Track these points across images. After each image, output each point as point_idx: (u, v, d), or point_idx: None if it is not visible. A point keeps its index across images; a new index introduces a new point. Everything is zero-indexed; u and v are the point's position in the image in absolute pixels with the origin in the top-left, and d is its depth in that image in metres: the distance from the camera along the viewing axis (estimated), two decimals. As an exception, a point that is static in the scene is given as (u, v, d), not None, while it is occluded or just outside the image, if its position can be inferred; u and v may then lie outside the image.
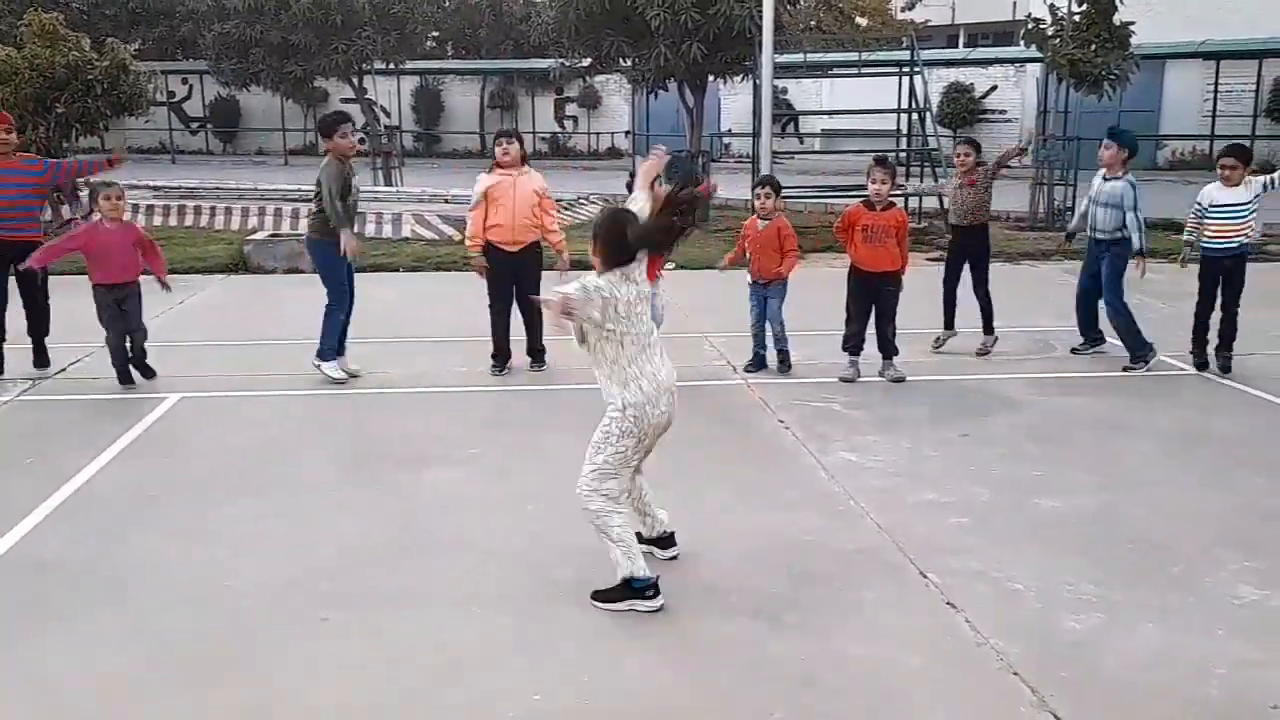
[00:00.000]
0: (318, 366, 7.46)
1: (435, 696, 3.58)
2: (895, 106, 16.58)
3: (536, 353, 7.85)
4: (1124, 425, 6.60)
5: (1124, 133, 8.01)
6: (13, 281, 7.50)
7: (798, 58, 18.95)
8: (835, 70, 21.02)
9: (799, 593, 4.28)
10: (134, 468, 5.83)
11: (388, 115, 30.23)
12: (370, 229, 14.21)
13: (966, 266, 8.30)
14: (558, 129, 34.01)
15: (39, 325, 7.66)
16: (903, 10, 36.47)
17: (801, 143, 30.34)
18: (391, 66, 26.61)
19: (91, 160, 8.88)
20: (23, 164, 7.59)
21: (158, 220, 15.99)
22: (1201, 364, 7.74)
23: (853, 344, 7.59)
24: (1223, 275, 7.59)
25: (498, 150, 7.65)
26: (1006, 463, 5.86)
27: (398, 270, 12.45)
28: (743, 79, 18.22)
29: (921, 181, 16.13)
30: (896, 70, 17.26)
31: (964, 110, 28.69)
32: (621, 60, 17.41)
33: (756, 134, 15.54)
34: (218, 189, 18.78)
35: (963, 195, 8.21)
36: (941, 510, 5.15)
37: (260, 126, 33.28)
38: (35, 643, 3.90)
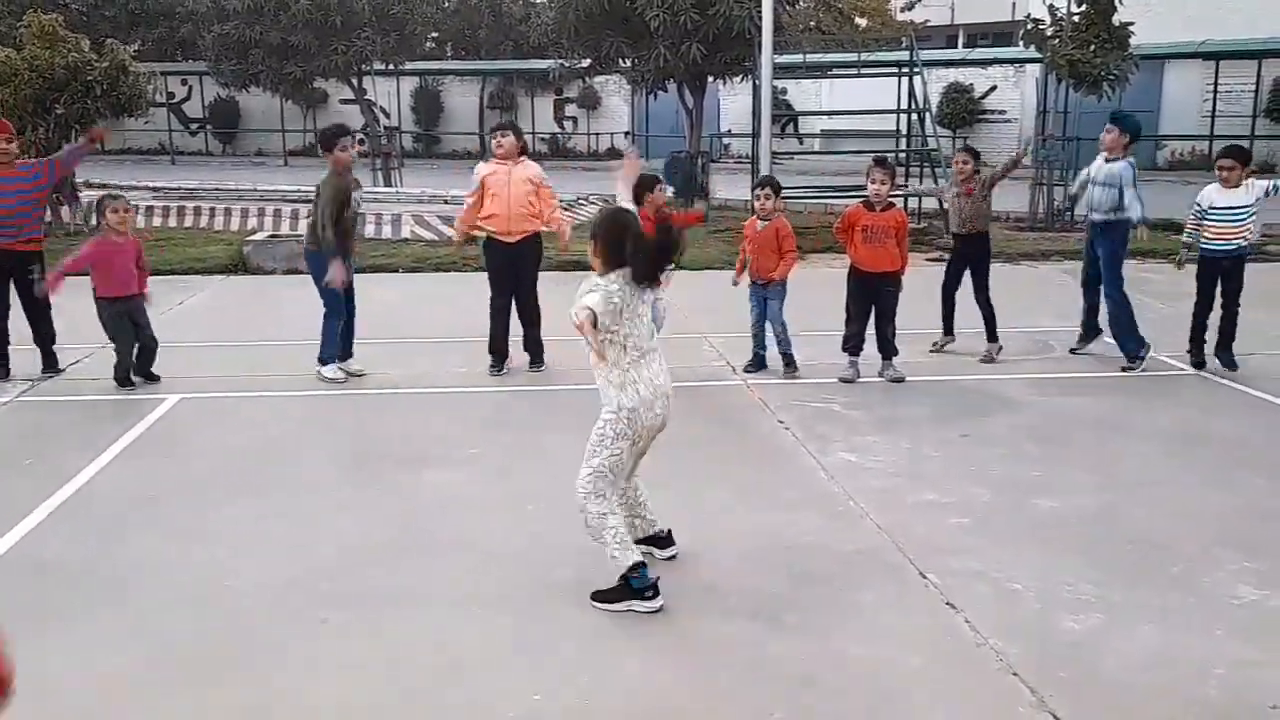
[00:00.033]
0: (318, 372, 7.53)
1: (435, 696, 3.59)
2: (895, 107, 16.56)
3: (535, 351, 7.86)
4: (1124, 425, 6.61)
5: (1127, 117, 8.00)
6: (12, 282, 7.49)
7: (797, 58, 18.92)
8: (835, 71, 20.96)
9: (799, 593, 4.29)
10: (134, 468, 5.83)
11: (387, 116, 30.20)
12: (370, 229, 14.20)
13: (967, 273, 8.29)
14: (557, 130, 34.00)
15: (43, 331, 7.64)
16: (902, 10, 36.45)
17: (801, 143, 30.30)
18: (391, 67, 26.57)
19: (76, 147, 8.77)
20: (22, 172, 7.58)
21: (157, 221, 15.98)
22: (1199, 363, 7.75)
23: (852, 344, 7.60)
24: (1221, 275, 7.61)
25: (493, 143, 7.75)
26: (1006, 463, 5.86)
27: (397, 271, 12.45)
28: (742, 79, 18.23)
29: (921, 182, 16.12)
30: (896, 71, 17.24)
31: (963, 110, 28.63)
32: (621, 61, 17.41)
33: (756, 134, 15.53)
34: (217, 190, 18.77)
35: (961, 204, 8.18)
36: (941, 510, 5.15)
37: (260, 127, 33.26)
38: (35, 643, 3.88)
